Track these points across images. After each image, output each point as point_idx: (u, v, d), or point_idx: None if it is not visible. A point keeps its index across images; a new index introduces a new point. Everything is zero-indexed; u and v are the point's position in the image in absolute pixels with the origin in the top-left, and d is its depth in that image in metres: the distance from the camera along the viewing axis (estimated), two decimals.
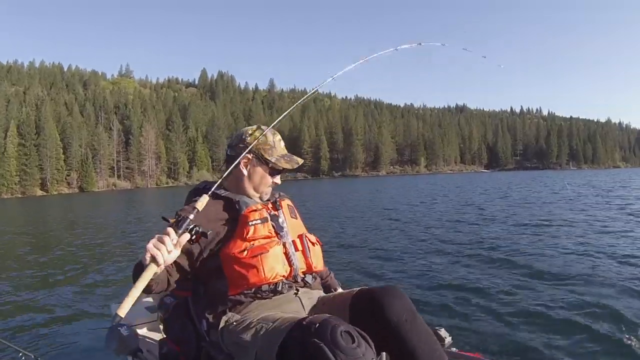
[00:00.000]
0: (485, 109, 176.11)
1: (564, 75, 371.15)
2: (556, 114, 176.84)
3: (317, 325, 1.24)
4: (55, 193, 69.19)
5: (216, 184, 1.59)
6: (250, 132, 1.75)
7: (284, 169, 1.76)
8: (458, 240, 7.65)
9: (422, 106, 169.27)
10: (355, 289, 1.63)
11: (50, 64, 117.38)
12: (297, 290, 1.64)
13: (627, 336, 2.95)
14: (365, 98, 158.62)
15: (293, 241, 1.68)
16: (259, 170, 1.73)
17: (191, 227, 1.39)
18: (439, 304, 4.08)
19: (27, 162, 68.49)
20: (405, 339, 1.40)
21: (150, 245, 1.31)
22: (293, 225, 1.74)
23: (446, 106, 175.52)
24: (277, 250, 1.60)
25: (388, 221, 11.38)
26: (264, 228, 1.62)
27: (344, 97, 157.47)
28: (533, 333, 3.27)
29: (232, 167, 1.64)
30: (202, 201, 1.47)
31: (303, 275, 1.67)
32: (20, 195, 64.83)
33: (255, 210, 1.64)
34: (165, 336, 1.86)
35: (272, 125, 1.74)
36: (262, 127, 1.76)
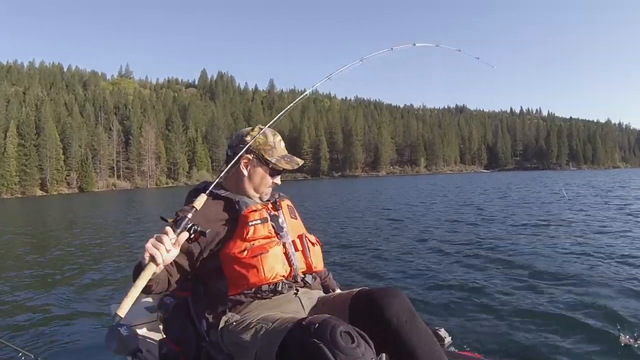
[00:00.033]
0: (485, 110, 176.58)
1: (564, 75, 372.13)
2: (556, 115, 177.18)
3: (317, 325, 1.24)
4: (55, 193, 69.16)
5: (214, 183, 1.60)
6: (250, 132, 1.75)
7: (284, 169, 1.76)
8: (457, 240, 7.66)
9: (421, 107, 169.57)
10: (355, 289, 1.63)
11: (50, 64, 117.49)
12: (297, 290, 1.64)
13: (625, 336, 2.95)
14: (365, 99, 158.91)
15: (293, 241, 1.69)
16: (259, 171, 1.73)
17: (189, 226, 1.40)
18: (439, 304, 4.09)
19: (27, 162, 68.46)
20: (405, 339, 1.40)
21: (148, 245, 1.31)
22: (293, 225, 1.75)
23: (446, 107, 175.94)
24: (277, 251, 1.60)
25: (388, 221, 11.39)
26: (263, 228, 1.62)
27: (344, 98, 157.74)
28: (532, 333, 3.27)
29: (229, 166, 1.64)
30: (200, 200, 1.48)
31: (303, 276, 1.67)
32: (20, 196, 64.80)
33: (255, 211, 1.64)
34: (165, 336, 1.86)
35: (269, 124, 1.75)
36: (263, 128, 1.77)
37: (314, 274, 1.73)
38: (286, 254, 1.63)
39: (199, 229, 1.42)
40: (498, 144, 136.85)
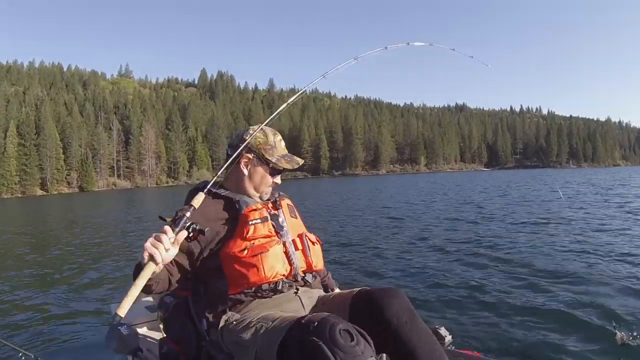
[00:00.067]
0: (485, 108, 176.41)
1: (564, 76, 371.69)
2: (556, 113, 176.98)
3: (316, 323, 1.24)
4: (55, 193, 69.20)
5: (212, 182, 1.60)
6: (250, 132, 1.75)
7: (284, 169, 1.76)
8: (457, 239, 7.66)
9: (421, 105, 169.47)
10: (355, 289, 1.63)
11: (49, 64, 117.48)
12: (297, 289, 1.64)
13: (622, 333, 2.95)
14: (365, 97, 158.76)
15: (293, 240, 1.69)
16: (260, 170, 1.73)
17: (188, 224, 1.40)
18: (439, 302, 4.09)
19: (27, 162, 68.51)
20: (404, 339, 1.40)
21: (147, 244, 1.31)
22: (293, 224, 1.75)
23: (446, 105, 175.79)
24: (277, 250, 1.60)
25: (388, 220, 11.39)
26: (264, 227, 1.62)
27: (344, 97, 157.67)
28: (532, 331, 3.27)
29: (227, 163, 1.65)
30: (198, 199, 1.48)
31: (303, 274, 1.67)
32: (20, 195, 64.84)
33: (255, 210, 1.64)
34: (165, 335, 1.86)
35: (266, 122, 1.75)
36: (263, 127, 1.77)
37: (314, 272, 1.73)
38: (286, 253, 1.63)
39: (197, 227, 1.42)
40: (498, 143, 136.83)
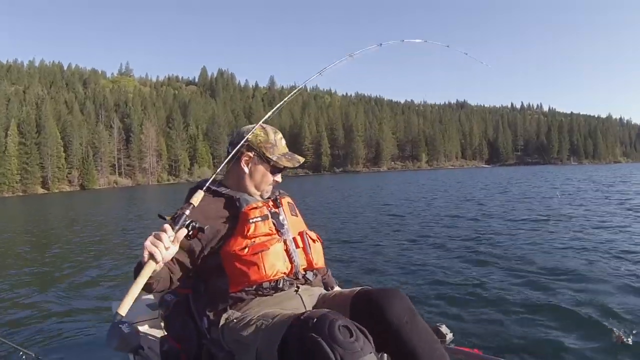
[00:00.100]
0: (485, 105, 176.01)
1: (564, 75, 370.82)
2: (557, 110, 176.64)
3: (315, 320, 1.24)
4: (56, 191, 69.23)
5: (210, 179, 1.60)
6: (251, 130, 1.76)
7: (285, 167, 1.76)
8: (458, 236, 7.66)
9: (422, 102, 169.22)
10: (356, 288, 1.63)
11: (50, 63, 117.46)
12: (298, 287, 1.64)
13: (624, 332, 2.96)
14: (366, 95, 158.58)
15: (294, 238, 1.69)
16: (261, 169, 1.73)
17: (187, 222, 1.40)
18: (440, 300, 4.09)
19: (28, 160, 68.53)
20: (405, 339, 1.40)
21: (147, 243, 1.31)
22: (293, 222, 1.75)
23: (446, 102, 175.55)
24: (277, 248, 1.60)
25: (388, 217, 11.39)
26: (264, 225, 1.62)
27: (345, 94, 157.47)
28: (532, 328, 3.28)
29: (225, 161, 1.65)
30: (197, 197, 1.48)
31: (304, 272, 1.67)
32: (21, 194, 64.92)
33: (255, 208, 1.64)
34: (166, 333, 1.86)
35: (263, 120, 1.75)
36: (264, 125, 1.77)
37: (314, 270, 1.74)
38: (287, 251, 1.63)
39: (197, 225, 1.42)
40: (499, 139, 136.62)
